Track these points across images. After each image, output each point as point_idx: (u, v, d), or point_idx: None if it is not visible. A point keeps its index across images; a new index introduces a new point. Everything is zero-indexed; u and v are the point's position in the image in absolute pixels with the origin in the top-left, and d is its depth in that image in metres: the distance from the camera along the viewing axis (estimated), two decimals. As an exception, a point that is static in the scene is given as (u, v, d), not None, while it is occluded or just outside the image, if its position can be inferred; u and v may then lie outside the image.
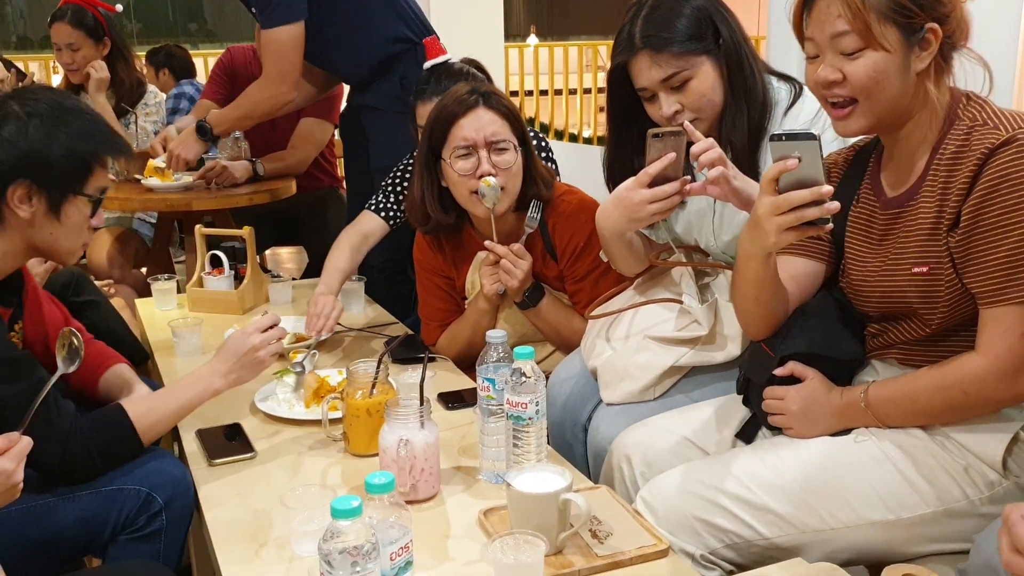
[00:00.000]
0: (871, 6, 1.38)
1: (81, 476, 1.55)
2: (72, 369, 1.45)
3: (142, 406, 1.63)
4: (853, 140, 1.64)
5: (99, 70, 3.49)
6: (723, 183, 1.62)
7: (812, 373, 1.54)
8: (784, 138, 1.38)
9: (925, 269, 1.43)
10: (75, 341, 1.45)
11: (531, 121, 8.92)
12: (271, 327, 1.76)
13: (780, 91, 1.83)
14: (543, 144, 2.63)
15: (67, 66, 3.57)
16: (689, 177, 1.68)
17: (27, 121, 1.54)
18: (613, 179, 1.93)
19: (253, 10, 2.89)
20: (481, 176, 2.03)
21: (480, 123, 2.04)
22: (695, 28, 1.76)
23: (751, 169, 1.78)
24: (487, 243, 2.05)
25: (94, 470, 1.55)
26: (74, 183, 1.59)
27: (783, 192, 1.37)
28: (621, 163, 1.92)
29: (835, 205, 1.36)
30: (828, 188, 1.36)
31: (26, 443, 1.33)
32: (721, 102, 1.80)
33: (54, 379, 1.43)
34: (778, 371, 1.55)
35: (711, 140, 1.64)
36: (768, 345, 1.59)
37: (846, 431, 1.52)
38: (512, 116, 2.08)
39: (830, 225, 1.39)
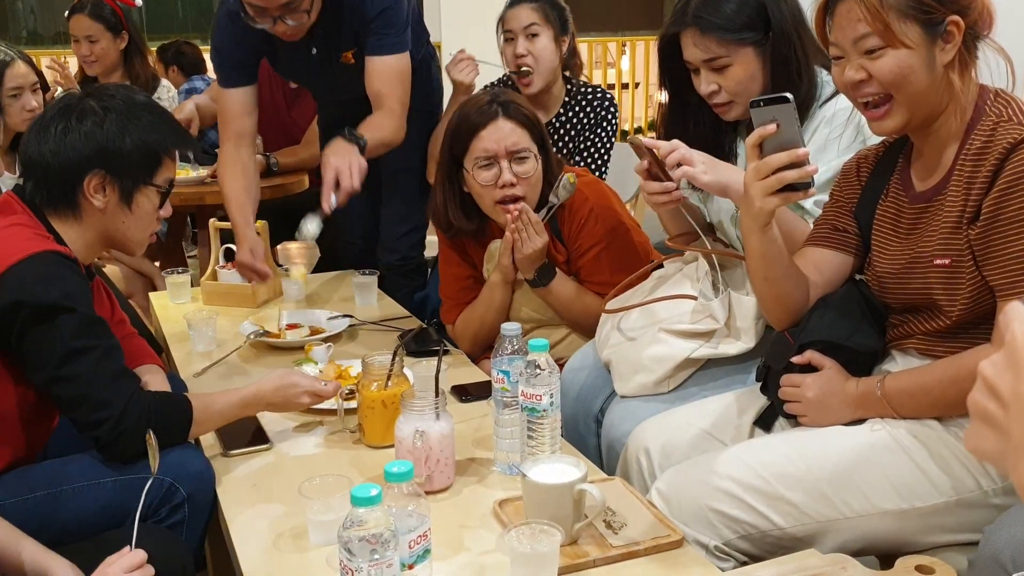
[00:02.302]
0: (890, 6, 1.39)
1: (128, 445, 1.55)
2: (155, 470, 1.47)
3: (202, 406, 1.67)
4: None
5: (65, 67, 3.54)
6: (691, 181, 1.68)
7: (830, 363, 1.55)
8: (762, 104, 1.43)
9: (947, 262, 1.44)
10: (154, 442, 1.49)
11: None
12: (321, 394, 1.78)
13: (826, 86, 1.83)
14: (608, 99, 2.81)
15: (85, 58, 3.62)
16: (674, 185, 1.72)
17: (104, 116, 1.65)
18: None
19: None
20: (503, 186, 2.06)
21: (501, 134, 2.06)
22: (745, 17, 1.77)
23: None
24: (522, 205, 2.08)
25: (142, 444, 1.54)
26: (145, 173, 1.69)
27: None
28: (669, 128, 1.96)
29: (813, 168, 1.41)
30: (804, 150, 1.41)
31: (139, 557, 1.31)
32: (760, 91, 1.81)
33: (148, 484, 1.45)
34: (796, 359, 1.57)
35: (674, 143, 1.69)
36: (790, 333, 1.61)
37: (860, 420, 1.53)
38: (531, 123, 2.10)
39: (813, 189, 1.44)
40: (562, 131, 2.85)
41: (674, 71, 1.91)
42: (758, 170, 1.44)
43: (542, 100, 2.81)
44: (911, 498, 1.43)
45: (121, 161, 1.65)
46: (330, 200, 2.19)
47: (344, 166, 2.20)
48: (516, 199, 2.07)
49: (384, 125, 2.43)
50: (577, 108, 2.85)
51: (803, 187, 1.44)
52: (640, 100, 8.03)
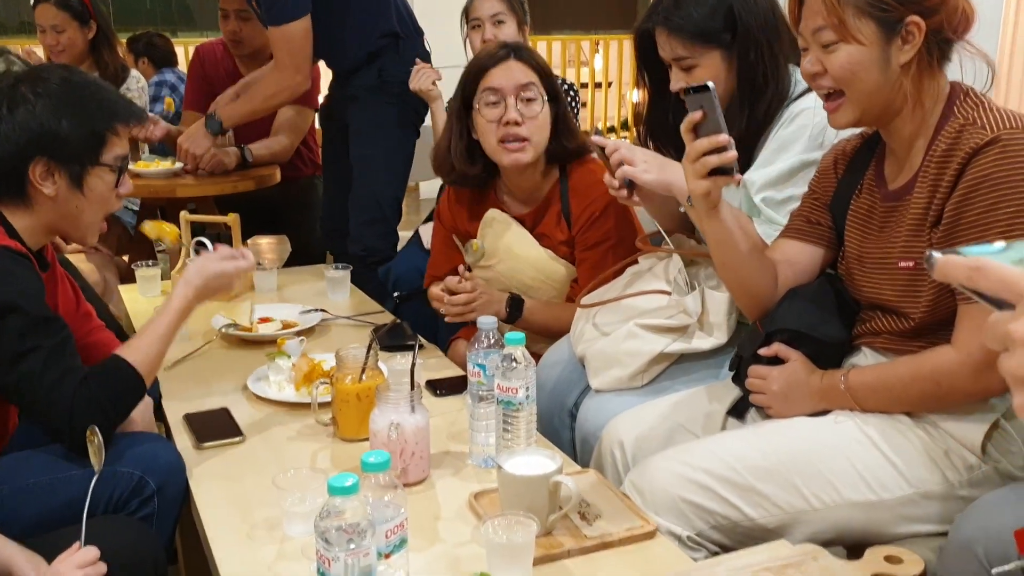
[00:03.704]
0: (847, 1, 1.41)
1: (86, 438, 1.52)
2: (99, 468, 1.46)
3: (134, 349, 1.62)
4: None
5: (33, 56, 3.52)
6: (635, 183, 1.75)
7: (796, 355, 1.58)
8: (691, 92, 1.49)
9: (910, 264, 1.46)
10: (97, 440, 1.48)
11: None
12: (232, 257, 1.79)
13: (799, 84, 1.85)
14: (569, 85, 2.99)
15: (51, 48, 3.57)
16: (617, 183, 1.79)
17: (36, 101, 1.59)
18: (640, 135, 2.04)
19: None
20: (507, 123, 2.10)
21: (510, 72, 2.12)
22: (711, 21, 1.79)
23: (748, 164, 1.85)
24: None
25: (107, 419, 1.53)
26: (90, 154, 1.63)
27: None
28: (649, 120, 2.01)
29: (732, 155, 1.46)
30: (724, 137, 1.46)
31: (90, 554, 1.30)
32: (727, 92, 1.84)
33: (92, 483, 1.43)
34: (763, 351, 1.59)
35: (617, 142, 1.76)
36: (760, 322, 1.63)
37: (825, 412, 1.55)
38: (542, 71, 2.15)
39: (739, 176, 1.49)
40: None
41: (651, 65, 1.94)
42: (688, 155, 1.50)
43: None
44: (880, 490, 1.45)
45: (62, 146, 1.59)
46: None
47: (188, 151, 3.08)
48: (519, 139, 2.11)
49: (265, 82, 2.97)
50: None
51: (729, 172, 1.48)
52: (613, 99, 8.06)
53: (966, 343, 1.40)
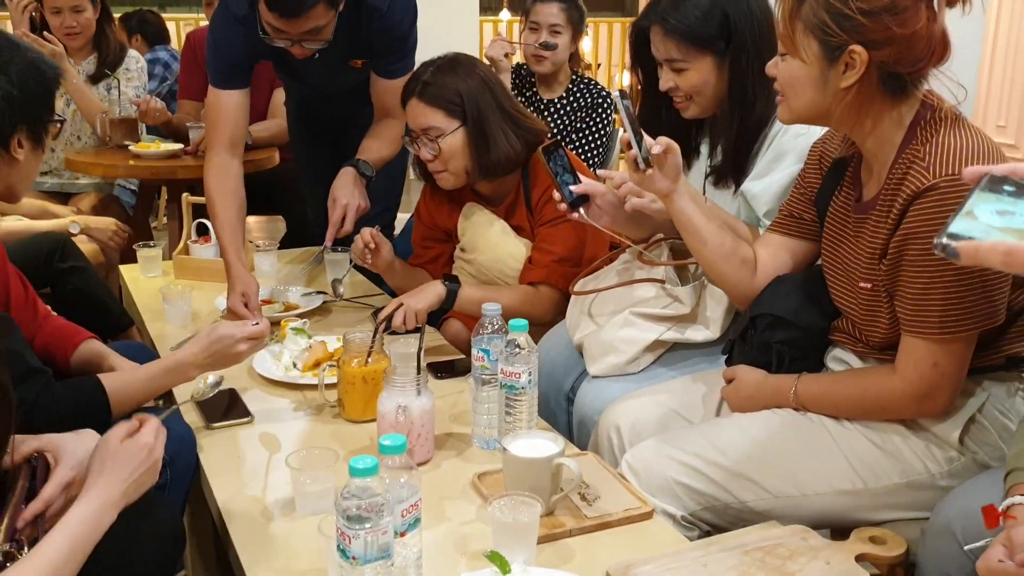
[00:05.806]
0: (799, 16, 1.45)
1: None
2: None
3: (118, 382, 1.64)
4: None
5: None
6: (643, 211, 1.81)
7: (739, 373, 1.69)
8: (620, 96, 1.65)
9: (869, 286, 1.52)
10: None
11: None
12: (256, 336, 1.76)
13: None
14: (603, 89, 3.19)
15: (69, 30, 3.51)
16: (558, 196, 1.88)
17: None
18: None
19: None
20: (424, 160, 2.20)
21: (412, 115, 2.18)
22: (708, 27, 1.82)
23: (740, 172, 1.89)
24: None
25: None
26: None
27: None
28: (643, 116, 2.04)
29: (633, 152, 1.59)
30: (625, 136, 1.60)
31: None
32: (716, 97, 1.88)
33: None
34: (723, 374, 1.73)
35: (624, 175, 1.77)
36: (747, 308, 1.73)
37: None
38: (445, 101, 2.14)
39: (648, 170, 1.61)
40: (563, 111, 3.24)
41: (646, 61, 1.98)
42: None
43: (550, 82, 3.25)
44: (865, 479, 1.53)
45: None
46: (332, 238, 2.38)
47: (352, 207, 2.37)
48: (437, 171, 2.20)
49: (390, 142, 2.57)
50: (577, 93, 3.23)
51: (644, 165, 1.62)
52: (602, 81, 8.08)
53: (907, 372, 1.47)
